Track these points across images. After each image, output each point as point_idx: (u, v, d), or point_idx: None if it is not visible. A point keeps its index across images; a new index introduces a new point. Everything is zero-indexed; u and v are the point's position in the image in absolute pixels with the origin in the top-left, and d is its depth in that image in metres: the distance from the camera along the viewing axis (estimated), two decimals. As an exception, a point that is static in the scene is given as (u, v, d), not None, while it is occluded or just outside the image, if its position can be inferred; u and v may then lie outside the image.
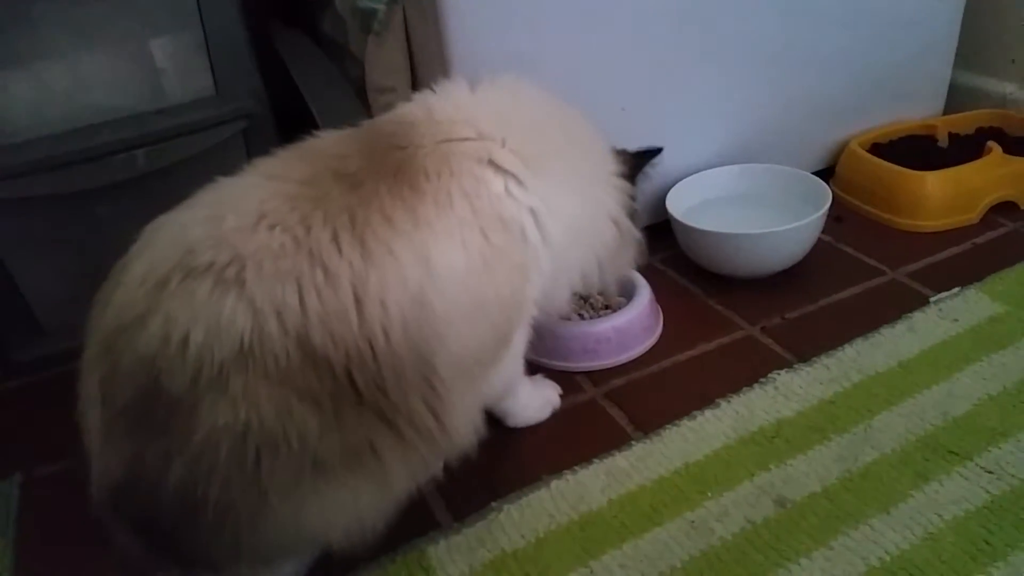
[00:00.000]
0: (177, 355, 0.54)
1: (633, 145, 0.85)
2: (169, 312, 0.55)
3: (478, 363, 0.66)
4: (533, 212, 0.69)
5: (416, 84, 1.05)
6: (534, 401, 0.85)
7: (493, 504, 0.75)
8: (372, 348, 0.58)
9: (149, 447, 0.55)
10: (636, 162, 0.83)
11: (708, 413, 0.84)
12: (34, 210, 1.02)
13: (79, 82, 1.03)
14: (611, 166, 0.79)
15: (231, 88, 1.11)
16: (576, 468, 0.78)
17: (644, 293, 0.97)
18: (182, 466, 0.55)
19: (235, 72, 1.11)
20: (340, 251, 0.59)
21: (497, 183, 0.67)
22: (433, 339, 0.60)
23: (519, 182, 0.68)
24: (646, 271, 0.98)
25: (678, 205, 1.09)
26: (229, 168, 0.66)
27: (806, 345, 0.92)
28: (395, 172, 0.64)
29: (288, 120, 1.17)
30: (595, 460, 0.79)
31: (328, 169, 0.63)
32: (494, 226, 0.66)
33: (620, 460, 0.79)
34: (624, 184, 0.80)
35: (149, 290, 0.56)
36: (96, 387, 0.57)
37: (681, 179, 1.12)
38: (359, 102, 1.15)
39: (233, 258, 0.57)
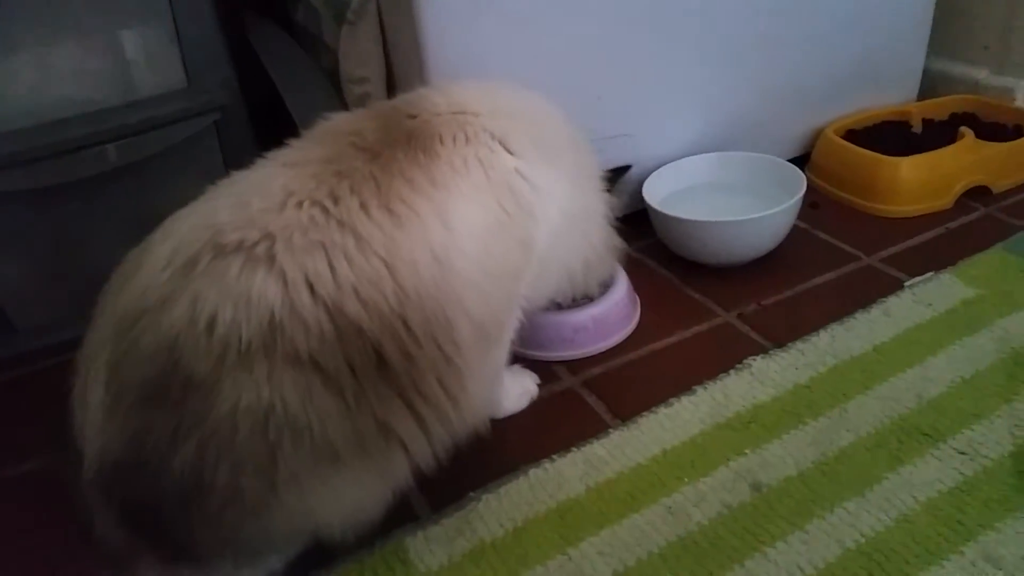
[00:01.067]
0: (203, 335, 0.54)
1: (609, 131, 0.86)
2: (198, 292, 0.55)
3: (488, 334, 0.67)
4: (537, 192, 0.70)
5: (390, 74, 1.05)
6: (513, 390, 0.85)
7: (471, 494, 0.75)
8: (404, 312, 0.59)
9: (157, 424, 0.54)
10: (610, 178, 0.87)
11: (685, 400, 0.84)
12: (2, 206, 1.00)
13: (47, 75, 1.02)
14: (600, 174, 0.83)
15: (203, 80, 1.10)
16: (554, 456, 0.78)
17: (621, 282, 0.97)
18: (192, 447, 0.54)
19: (207, 64, 1.10)
20: (370, 217, 0.60)
21: (508, 157, 0.69)
22: (454, 302, 0.62)
23: (527, 162, 0.70)
24: (624, 260, 0.98)
25: (655, 193, 1.09)
26: (202, 161, 0.66)
27: (782, 331, 0.92)
28: (410, 138, 0.66)
29: (262, 112, 1.16)
30: (573, 448, 0.79)
31: (347, 144, 0.65)
32: (505, 196, 0.68)
33: (598, 448, 0.79)
34: (608, 195, 0.83)
35: (176, 272, 0.56)
36: (103, 368, 0.56)
37: (658, 167, 1.12)
38: (333, 93, 1.14)
39: (263, 236, 0.57)
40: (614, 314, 0.95)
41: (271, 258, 0.56)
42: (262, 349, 0.55)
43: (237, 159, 0.68)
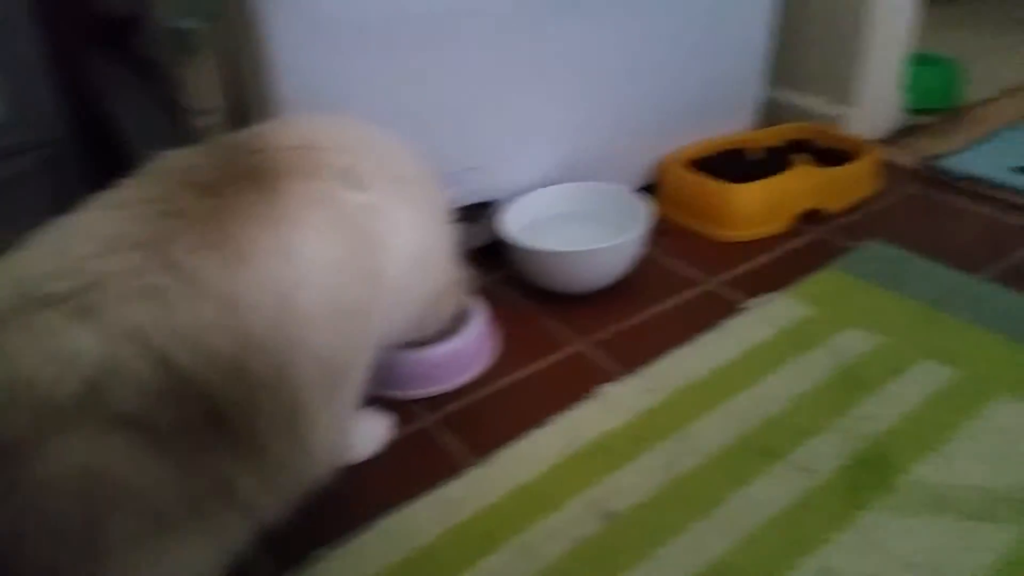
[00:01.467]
0: (17, 396, 0.49)
1: (464, 163, 0.86)
2: (10, 350, 0.50)
3: (337, 376, 0.64)
4: (386, 227, 0.69)
5: (235, 105, 1.01)
6: (366, 434, 0.83)
7: (318, 551, 0.72)
8: (244, 359, 0.55)
9: None
10: (471, 213, 0.86)
11: (540, 432, 0.84)
12: None
13: None
14: (447, 209, 0.82)
15: (27, 115, 1.03)
16: (408, 503, 0.76)
17: (479, 315, 0.97)
18: (6, 517, 0.49)
19: (32, 99, 1.04)
20: (204, 258, 0.56)
21: (354, 192, 0.68)
22: (299, 343, 0.59)
23: (375, 197, 0.69)
24: (481, 291, 0.98)
25: (510, 225, 1.10)
26: (30, 200, 0.61)
27: (633, 356, 0.95)
28: (253, 173, 0.63)
29: (104, 148, 1.10)
30: (428, 492, 0.77)
31: (181, 182, 0.61)
32: (353, 232, 0.66)
33: (453, 489, 0.78)
34: (455, 230, 0.83)
35: None
36: None
37: (512, 199, 1.14)
38: (176, 125, 1.10)
39: (84, 285, 0.53)
40: (472, 348, 0.94)
41: (92, 309, 0.52)
42: (82, 409, 0.51)
43: (70, 200, 0.64)
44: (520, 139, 1.13)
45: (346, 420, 0.75)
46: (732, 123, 1.36)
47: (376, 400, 0.87)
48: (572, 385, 0.91)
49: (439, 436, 0.86)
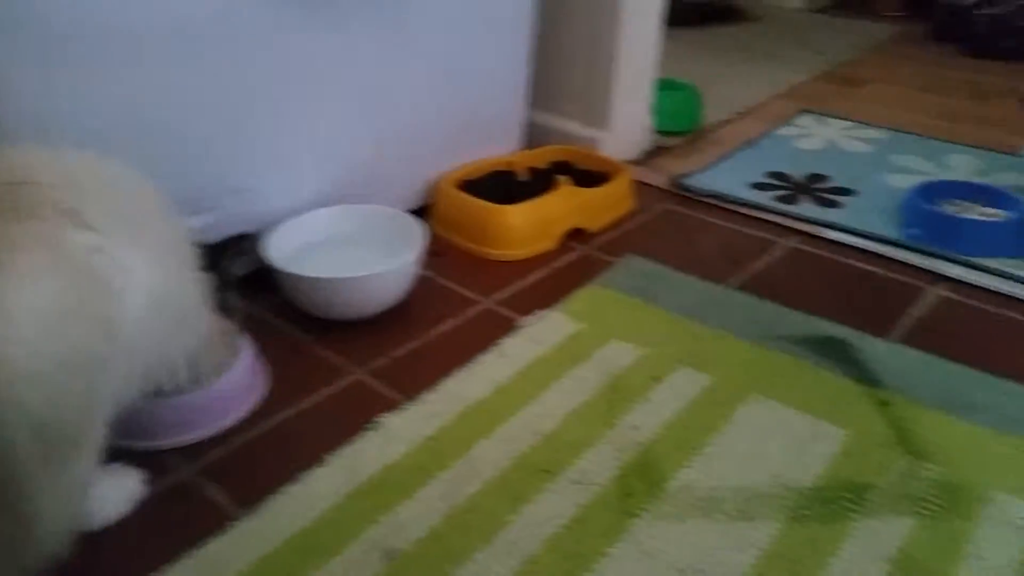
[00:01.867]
0: None
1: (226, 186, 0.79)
2: None
3: (65, 437, 0.57)
4: (118, 272, 0.62)
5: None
6: (110, 495, 0.74)
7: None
8: None
9: None
10: (233, 245, 0.80)
11: (317, 472, 0.80)
12: None
13: None
14: (192, 253, 0.76)
15: None
16: (166, 567, 0.69)
17: (244, 349, 0.90)
18: None
19: None
20: None
21: (80, 232, 0.60)
22: (13, 403, 0.52)
23: (105, 238, 0.62)
24: (248, 322, 0.92)
25: (278, 251, 1.04)
26: None
27: (412, 382, 0.93)
28: None
29: None
30: (189, 552, 0.70)
31: None
32: (80, 277, 0.59)
33: (219, 546, 0.71)
34: (207, 276, 0.77)
35: None
36: None
37: (280, 224, 1.08)
38: None
39: None
40: (237, 387, 0.88)
41: None
42: None
43: None
44: (285, 160, 1.08)
45: (81, 483, 0.67)
46: (500, 145, 1.39)
47: (124, 454, 0.78)
48: (350, 418, 0.87)
49: (200, 488, 0.78)
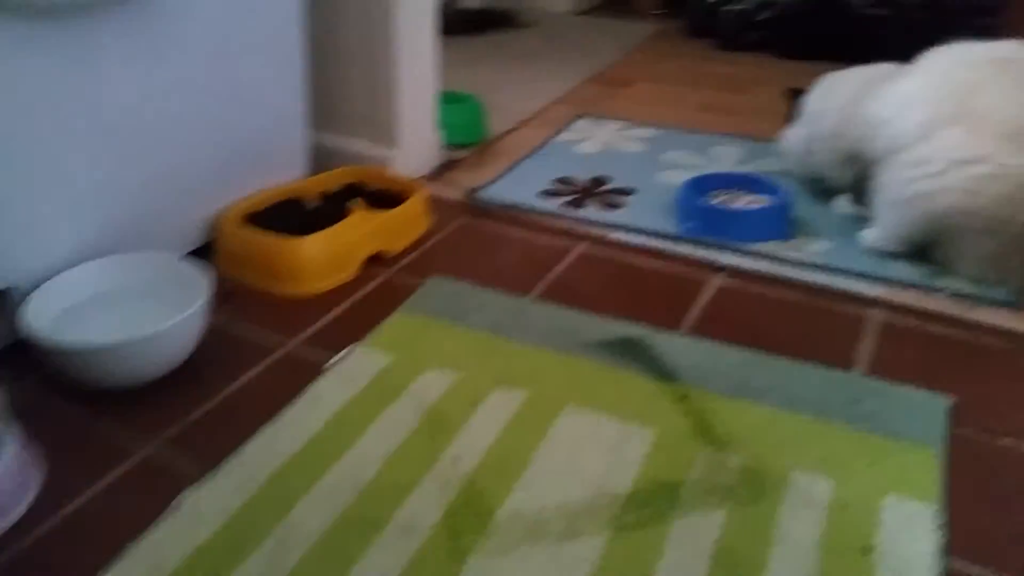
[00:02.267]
0: None
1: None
2: None
3: None
4: None
5: None
6: None
7: None
8: None
9: None
10: None
11: (114, 569, 0.71)
12: None
13: None
14: None
15: None
16: None
17: (8, 441, 0.79)
18: None
19: None
20: None
21: None
22: None
23: None
24: (12, 406, 0.81)
25: (38, 318, 0.92)
26: None
27: (213, 449, 0.86)
28: None
29: None
30: None
31: None
32: None
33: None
34: None
35: None
36: None
37: (38, 286, 0.96)
38: None
39: None
40: (2, 486, 0.77)
41: None
42: None
43: None
44: (32, 212, 0.96)
45: None
46: (286, 172, 1.33)
47: None
48: (147, 500, 0.79)
49: (-26, 612, 0.68)
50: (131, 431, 0.89)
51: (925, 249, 1.21)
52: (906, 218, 1.17)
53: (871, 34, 2.21)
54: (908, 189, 1.15)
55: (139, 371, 0.93)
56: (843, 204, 1.38)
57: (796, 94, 1.48)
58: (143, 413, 0.91)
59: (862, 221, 1.30)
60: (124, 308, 1.00)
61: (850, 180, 1.35)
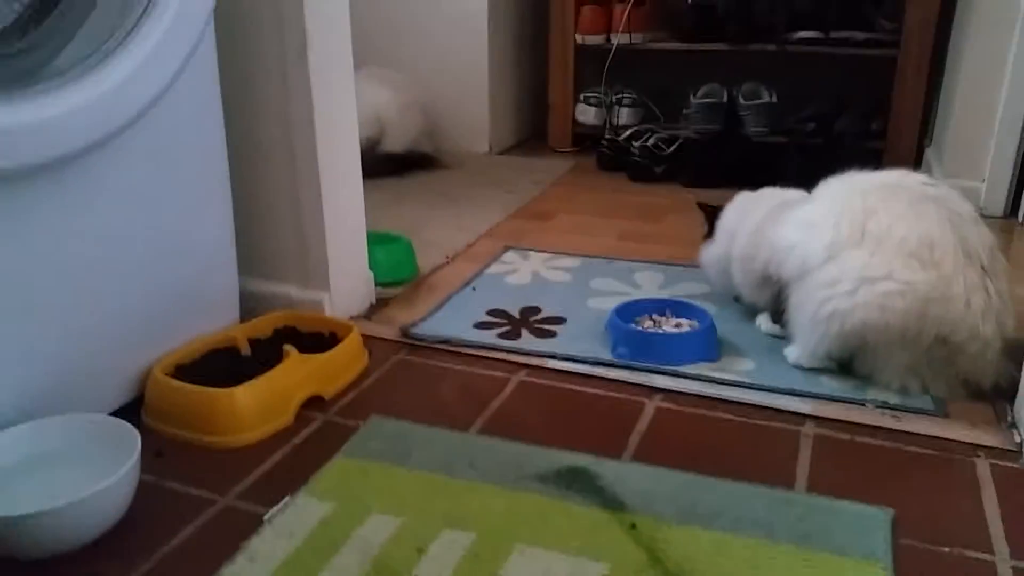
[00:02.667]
0: None
1: None
2: None
3: None
4: None
5: None
6: None
7: None
8: None
9: None
10: None
11: None
12: None
13: None
14: None
15: None
16: None
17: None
18: None
19: None
20: None
21: None
22: None
23: None
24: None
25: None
26: None
27: (148, 618, 0.81)
28: None
29: None
30: None
31: None
32: None
33: None
34: None
35: None
36: None
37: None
38: None
39: None
40: None
41: None
42: None
43: None
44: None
45: None
46: (217, 318, 1.31)
47: None
48: None
49: None
50: (55, 607, 0.83)
51: (847, 363, 1.27)
52: (824, 335, 1.23)
53: (770, 160, 2.37)
54: (822, 309, 1.21)
55: (67, 538, 0.88)
56: (764, 323, 1.45)
57: (707, 208, 1.58)
58: (68, 585, 0.85)
59: (785, 340, 1.36)
60: (50, 473, 0.96)
61: (767, 300, 1.41)
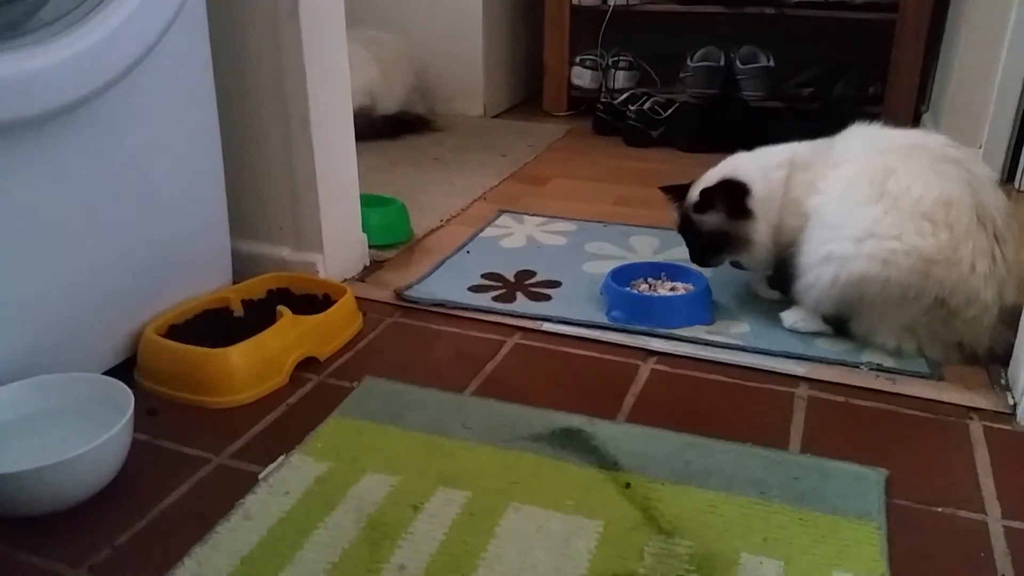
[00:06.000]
0: None
1: None
2: None
3: None
4: None
5: None
6: None
7: None
8: None
9: None
10: None
11: None
12: None
13: None
14: None
15: None
16: None
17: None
18: None
19: None
20: None
21: None
22: None
23: None
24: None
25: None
26: None
27: (144, 572, 0.81)
28: None
29: None
30: None
31: None
32: None
33: None
34: None
35: None
36: None
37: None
38: None
39: None
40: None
41: None
42: None
43: None
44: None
45: None
46: (209, 280, 1.30)
47: None
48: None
49: None
50: (54, 560, 0.83)
51: (843, 326, 1.27)
52: (818, 281, 1.21)
53: (766, 125, 2.35)
54: (824, 248, 1.20)
55: (62, 496, 0.88)
56: (762, 288, 1.43)
57: (674, 189, 1.45)
58: (67, 540, 0.85)
59: (780, 305, 1.35)
60: (45, 431, 0.96)
61: (771, 262, 1.37)
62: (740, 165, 1.37)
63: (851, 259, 1.17)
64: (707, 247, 1.38)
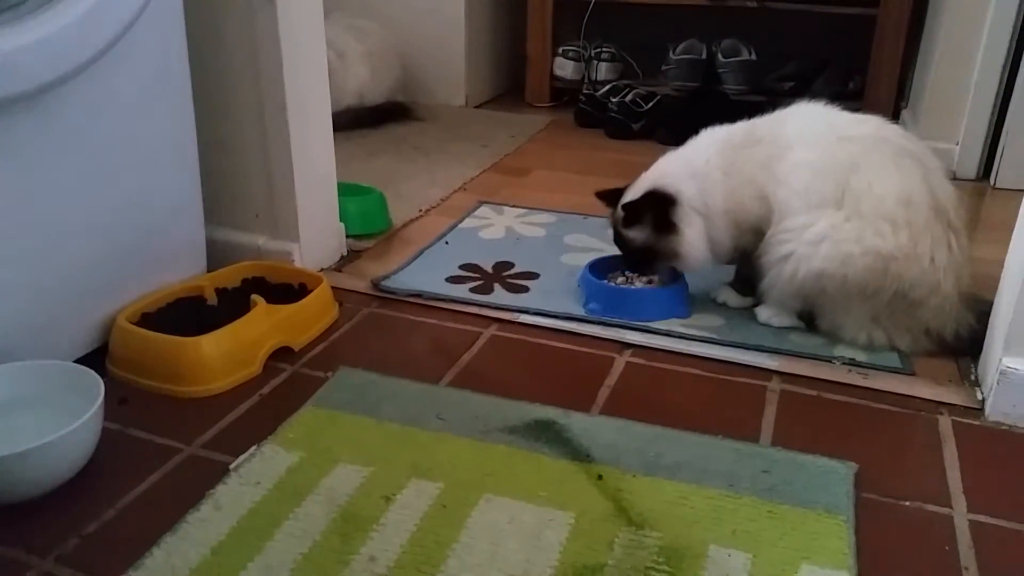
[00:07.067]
0: None
1: None
2: None
3: None
4: None
5: None
6: None
7: None
8: None
9: None
10: None
11: None
12: None
13: None
14: None
15: None
16: None
17: None
18: None
19: None
20: None
21: None
22: None
23: None
24: None
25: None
26: None
27: (110, 563, 0.80)
28: None
29: None
30: None
31: None
32: None
33: None
34: None
35: None
36: None
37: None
38: None
39: None
40: None
41: None
42: None
43: None
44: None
45: None
46: (183, 268, 1.29)
47: None
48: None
49: None
50: (22, 549, 0.82)
51: (814, 321, 1.28)
52: (783, 276, 1.22)
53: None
54: (785, 248, 1.22)
55: (30, 485, 0.87)
56: (731, 297, 1.39)
57: (608, 193, 1.41)
58: (35, 529, 0.85)
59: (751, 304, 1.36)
60: (14, 419, 0.95)
61: (736, 253, 1.36)
62: (668, 171, 1.35)
63: (809, 257, 1.19)
64: (639, 260, 1.37)
